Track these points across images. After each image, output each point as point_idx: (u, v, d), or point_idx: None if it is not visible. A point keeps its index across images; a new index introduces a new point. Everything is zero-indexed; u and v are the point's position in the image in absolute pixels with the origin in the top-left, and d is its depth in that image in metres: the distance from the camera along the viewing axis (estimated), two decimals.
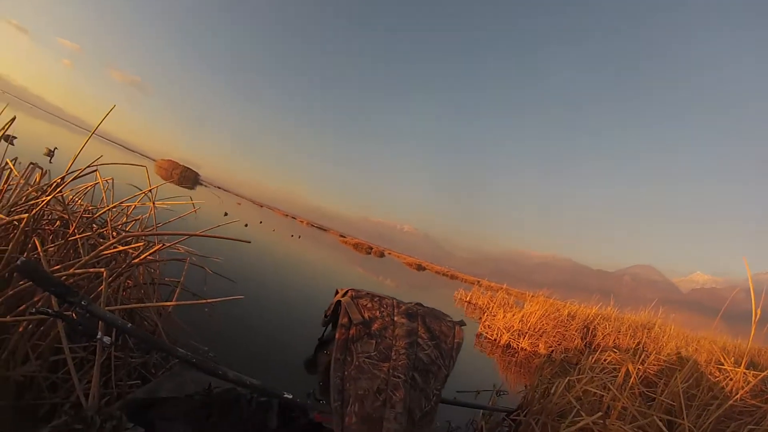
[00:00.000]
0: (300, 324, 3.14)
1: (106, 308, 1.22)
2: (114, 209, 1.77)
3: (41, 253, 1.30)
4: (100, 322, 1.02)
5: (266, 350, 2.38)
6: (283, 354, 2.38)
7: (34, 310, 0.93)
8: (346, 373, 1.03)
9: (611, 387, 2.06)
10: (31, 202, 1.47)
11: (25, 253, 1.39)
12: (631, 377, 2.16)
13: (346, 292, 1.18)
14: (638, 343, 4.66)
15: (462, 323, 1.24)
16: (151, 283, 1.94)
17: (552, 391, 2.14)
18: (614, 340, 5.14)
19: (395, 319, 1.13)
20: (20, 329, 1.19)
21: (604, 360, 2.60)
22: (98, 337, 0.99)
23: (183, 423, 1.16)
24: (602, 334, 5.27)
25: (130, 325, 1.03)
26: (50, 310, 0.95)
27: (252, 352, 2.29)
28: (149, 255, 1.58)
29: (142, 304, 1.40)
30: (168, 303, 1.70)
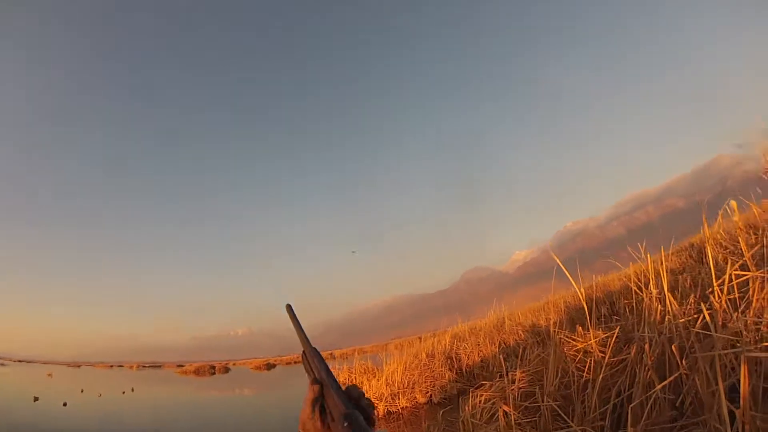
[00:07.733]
0: None
1: None
2: None
3: None
4: None
5: None
6: None
7: None
8: None
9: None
10: None
11: None
12: (510, 416, 1.93)
13: None
14: (499, 344, 4.86)
15: None
16: None
17: None
18: (478, 353, 5.16)
19: None
20: None
21: (479, 403, 2.34)
22: None
23: None
24: (465, 354, 5.32)
25: None
26: None
27: None
28: None
29: None
30: None
